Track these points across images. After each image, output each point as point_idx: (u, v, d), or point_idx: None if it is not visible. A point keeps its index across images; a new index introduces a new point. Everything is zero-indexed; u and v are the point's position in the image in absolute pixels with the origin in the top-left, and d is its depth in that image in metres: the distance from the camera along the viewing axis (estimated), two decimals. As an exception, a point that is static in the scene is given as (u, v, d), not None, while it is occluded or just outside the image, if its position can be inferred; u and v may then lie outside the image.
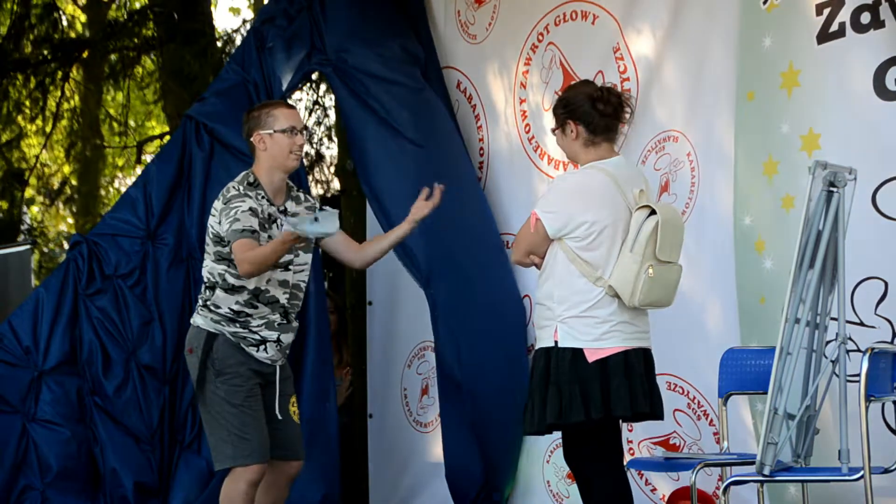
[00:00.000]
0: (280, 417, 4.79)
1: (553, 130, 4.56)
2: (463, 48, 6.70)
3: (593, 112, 4.38)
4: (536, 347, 4.42)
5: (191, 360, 4.76)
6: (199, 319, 4.77)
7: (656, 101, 5.65)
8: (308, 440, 5.83)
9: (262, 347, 4.75)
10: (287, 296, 4.82)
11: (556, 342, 4.30)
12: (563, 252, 4.33)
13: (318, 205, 4.95)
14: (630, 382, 4.27)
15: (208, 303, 4.75)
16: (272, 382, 4.80)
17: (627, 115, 4.48)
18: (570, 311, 4.30)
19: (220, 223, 4.70)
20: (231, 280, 4.71)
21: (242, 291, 4.71)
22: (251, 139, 4.84)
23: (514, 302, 6.24)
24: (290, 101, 6.33)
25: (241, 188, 4.74)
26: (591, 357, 4.26)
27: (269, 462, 4.75)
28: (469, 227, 6.19)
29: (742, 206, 5.17)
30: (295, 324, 4.88)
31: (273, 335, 4.77)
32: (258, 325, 4.74)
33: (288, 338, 4.83)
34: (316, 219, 4.41)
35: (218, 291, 4.74)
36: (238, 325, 4.72)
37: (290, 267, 4.82)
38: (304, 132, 4.95)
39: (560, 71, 6.12)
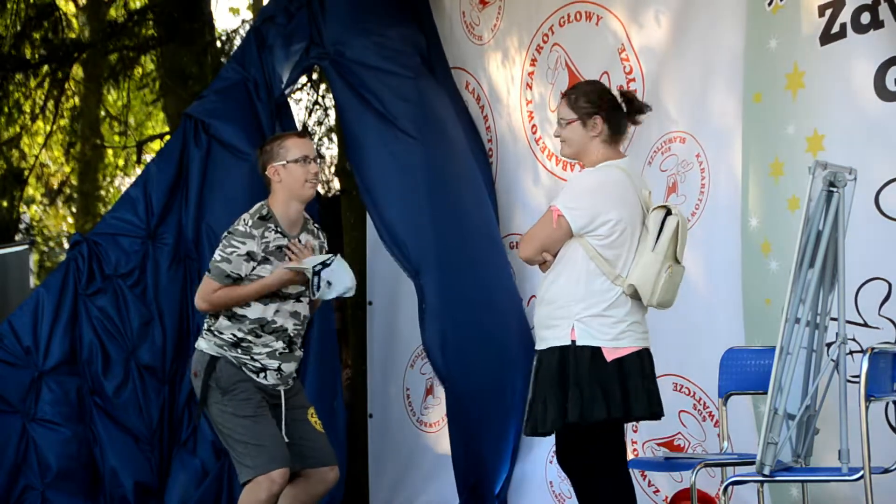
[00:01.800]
0: (287, 440, 4.73)
1: (568, 122, 4.43)
2: (469, 49, 6.71)
3: (619, 112, 4.39)
4: (544, 347, 4.35)
5: (196, 383, 4.76)
6: (202, 343, 4.76)
7: (662, 102, 5.66)
8: None
9: (262, 375, 4.73)
10: (297, 326, 4.81)
11: (573, 341, 4.28)
12: (583, 249, 4.29)
13: (326, 248, 4.96)
14: (644, 382, 4.27)
15: (212, 328, 4.75)
16: (278, 405, 4.78)
17: (641, 120, 4.51)
18: (588, 310, 4.27)
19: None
20: (234, 309, 4.71)
21: (244, 321, 4.70)
22: (266, 173, 4.80)
23: (512, 298, 6.21)
24: (298, 122, 6.34)
25: (251, 223, 4.70)
26: (609, 356, 4.24)
27: (302, 473, 4.73)
28: (465, 221, 6.16)
29: (749, 208, 5.17)
30: (298, 353, 4.85)
31: (274, 364, 4.74)
32: (259, 354, 4.72)
33: (289, 367, 4.79)
34: (329, 283, 4.55)
35: (221, 319, 4.73)
36: (240, 350, 4.71)
37: (302, 298, 4.81)
38: (318, 160, 4.93)
39: (566, 71, 6.11)
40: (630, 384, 4.24)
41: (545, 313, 4.38)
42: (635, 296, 4.27)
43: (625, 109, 4.40)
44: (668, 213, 4.29)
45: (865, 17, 4.79)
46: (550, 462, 6.04)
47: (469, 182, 6.30)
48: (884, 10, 4.73)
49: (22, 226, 12.99)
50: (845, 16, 4.84)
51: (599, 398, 4.20)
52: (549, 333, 4.34)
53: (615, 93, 4.46)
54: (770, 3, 5.11)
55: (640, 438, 5.66)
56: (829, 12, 4.89)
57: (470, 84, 6.71)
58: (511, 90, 6.46)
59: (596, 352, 4.24)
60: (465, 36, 6.72)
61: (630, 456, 5.56)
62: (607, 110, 4.37)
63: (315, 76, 9.39)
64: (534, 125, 6.31)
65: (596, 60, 5.95)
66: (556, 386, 4.26)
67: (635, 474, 5.41)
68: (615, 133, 4.39)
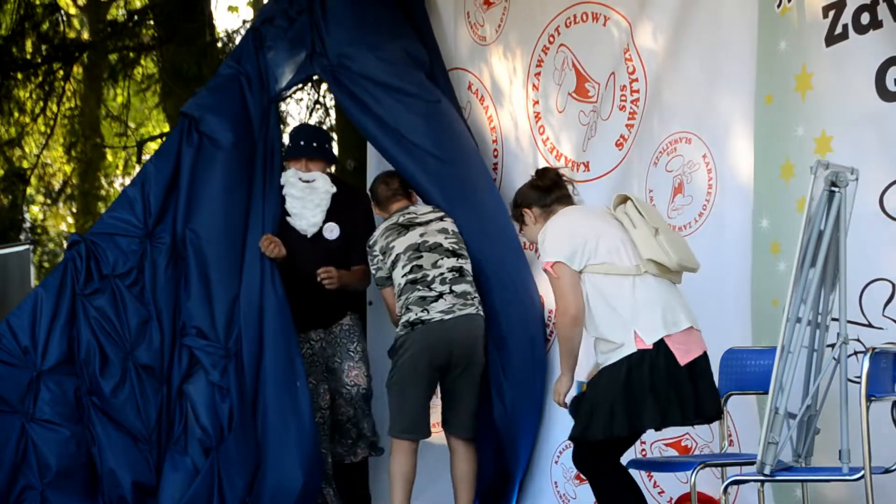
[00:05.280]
0: None
1: (519, 230, 5.04)
2: (473, 50, 6.70)
3: (535, 192, 4.83)
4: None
5: (479, 347, 5.70)
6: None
7: (667, 103, 5.66)
8: (282, 427, 5.80)
9: None
10: None
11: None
12: (590, 283, 4.52)
13: None
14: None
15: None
16: None
17: (567, 186, 4.89)
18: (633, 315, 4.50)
19: None
20: None
21: None
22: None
23: (534, 303, 6.15)
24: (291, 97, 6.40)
25: None
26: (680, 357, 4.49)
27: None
28: (494, 238, 6.10)
29: (760, 209, 5.18)
30: None
31: None
32: None
33: None
34: None
35: None
36: None
37: None
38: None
39: (573, 72, 6.12)
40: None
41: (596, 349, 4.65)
42: (659, 270, 4.50)
43: (541, 183, 4.86)
44: (626, 199, 4.67)
45: (865, 18, 4.80)
46: (556, 462, 6.03)
47: (487, 188, 6.28)
48: (882, 10, 4.75)
49: (26, 225, 13.00)
50: (846, 16, 4.86)
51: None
52: (610, 356, 4.54)
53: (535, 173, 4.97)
54: (779, 5, 5.11)
55: (647, 439, 5.64)
56: (832, 13, 4.90)
57: (473, 85, 6.69)
58: (516, 91, 6.45)
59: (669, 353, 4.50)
60: (469, 36, 6.71)
61: (638, 456, 5.56)
62: (527, 201, 4.86)
63: (316, 77, 9.39)
64: (541, 126, 6.30)
65: (603, 60, 5.96)
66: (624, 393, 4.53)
67: (642, 475, 5.40)
68: (547, 206, 4.81)
